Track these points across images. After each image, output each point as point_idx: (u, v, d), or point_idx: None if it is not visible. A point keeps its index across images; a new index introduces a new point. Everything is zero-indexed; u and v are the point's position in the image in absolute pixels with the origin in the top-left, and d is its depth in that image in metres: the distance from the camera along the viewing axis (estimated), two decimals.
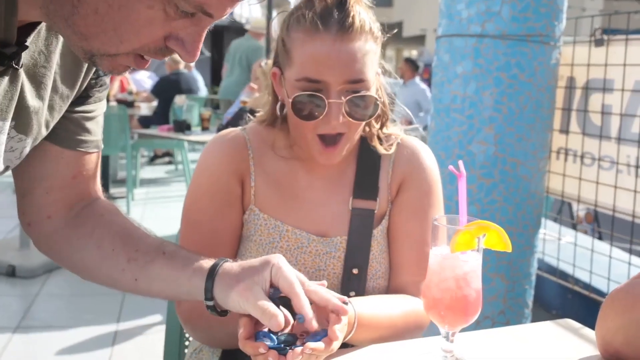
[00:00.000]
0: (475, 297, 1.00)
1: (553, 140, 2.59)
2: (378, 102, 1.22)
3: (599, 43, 2.41)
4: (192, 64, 8.79)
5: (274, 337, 0.98)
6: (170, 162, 8.97)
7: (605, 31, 2.42)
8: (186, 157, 6.75)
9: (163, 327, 1.58)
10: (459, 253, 0.99)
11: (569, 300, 2.93)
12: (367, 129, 1.32)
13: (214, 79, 14.45)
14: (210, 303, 0.98)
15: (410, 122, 1.48)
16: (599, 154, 2.45)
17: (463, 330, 1.09)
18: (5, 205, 5.53)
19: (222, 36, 15.06)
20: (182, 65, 8.01)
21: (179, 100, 6.14)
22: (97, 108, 1.06)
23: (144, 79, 9.73)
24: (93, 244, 1.07)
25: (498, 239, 1.00)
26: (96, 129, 1.08)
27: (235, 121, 4.25)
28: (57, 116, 0.98)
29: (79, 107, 1.03)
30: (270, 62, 1.33)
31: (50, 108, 0.95)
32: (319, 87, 1.17)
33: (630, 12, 2.36)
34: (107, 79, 1.06)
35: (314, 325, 0.94)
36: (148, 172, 8.36)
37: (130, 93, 8.34)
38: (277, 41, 1.26)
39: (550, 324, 1.24)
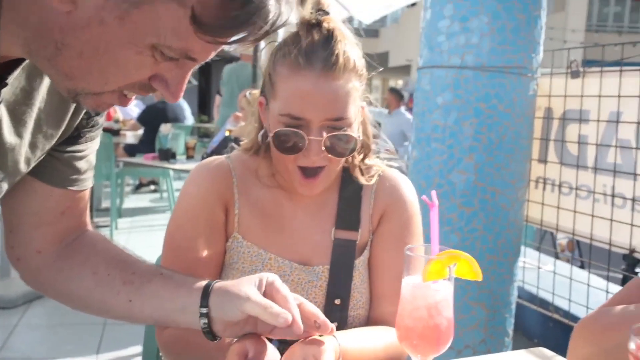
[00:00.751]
0: (447, 326, 1.01)
1: (532, 170, 2.63)
2: (358, 140, 1.23)
3: (575, 75, 2.46)
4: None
5: None
6: (155, 191, 8.94)
7: (586, 63, 2.48)
8: (171, 185, 6.74)
9: (141, 358, 1.56)
10: (431, 282, 1.00)
11: (550, 329, 2.94)
12: (349, 159, 1.34)
13: (201, 108, 14.49)
14: (205, 310, 0.98)
15: (396, 151, 1.50)
16: (576, 183, 2.49)
17: (437, 358, 1.10)
18: None
19: (210, 65, 15.12)
20: None
21: (165, 128, 6.16)
22: (88, 147, 1.06)
23: (130, 107, 9.72)
24: (88, 271, 1.07)
25: (468, 268, 1.01)
26: (86, 167, 1.08)
27: (219, 150, 4.27)
28: (40, 154, 0.98)
29: (69, 147, 1.03)
30: (255, 92, 1.35)
31: (32, 145, 0.95)
32: (300, 123, 1.19)
33: (604, 45, 2.42)
34: (100, 119, 1.06)
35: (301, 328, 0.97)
36: (133, 200, 8.32)
37: (117, 121, 8.34)
38: (264, 72, 1.28)
39: (523, 353, 1.25)
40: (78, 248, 1.10)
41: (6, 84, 0.82)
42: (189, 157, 5.64)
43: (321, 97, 1.17)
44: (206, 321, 0.99)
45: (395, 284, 1.30)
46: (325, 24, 1.21)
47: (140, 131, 7.72)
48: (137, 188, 9.05)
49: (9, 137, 0.89)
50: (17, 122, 0.89)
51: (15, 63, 0.82)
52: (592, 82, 2.43)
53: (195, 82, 12.42)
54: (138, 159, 6.05)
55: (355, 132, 1.23)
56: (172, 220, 1.31)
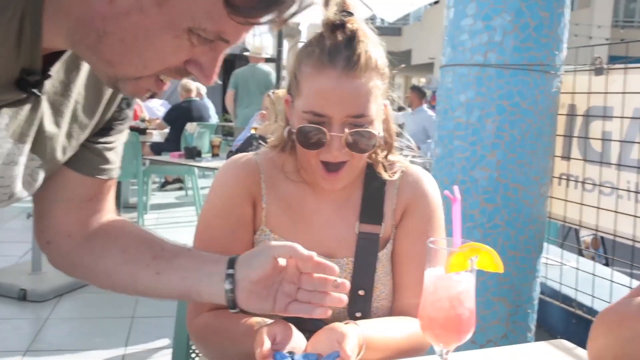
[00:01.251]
0: (469, 316, 1.04)
1: (555, 166, 2.63)
2: (379, 136, 1.27)
3: (599, 72, 2.47)
4: (204, 92, 8.95)
5: (291, 357, 1.03)
6: (180, 188, 9.04)
7: (611, 59, 2.47)
8: (196, 183, 6.83)
9: (170, 351, 1.62)
10: (453, 274, 1.04)
11: (574, 325, 2.94)
12: (373, 156, 1.38)
13: (226, 107, 14.58)
14: (231, 271, 1.04)
15: (418, 148, 1.54)
16: (600, 179, 2.49)
17: (459, 349, 1.13)
18: (18, 230, 5.61)
19: (234, 65, 15.22)
20: (194, 94, 8.14)
21: (190, 127, 6.24)
22: (117, 139, 1.12)
23: (156, 107, 9.86)
24: (117, 250, 1.13)
25: (490, 260, 1.04)
26: (115, 158, 1.13)
27: (244, 148, 4.32)
28: (75, 144, 1.03)
29: (101, 138, 1.08)
30: (278, 91, 1.40)
31: (69, 135, 1.00)
32: (322, 120, 1.23)
33: (628, 41, 2.42)
34: (129, 112, 1.11)
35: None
36: (159, 197, 8.43)
37: (143, 120, 8.46)
38: (290, 72, 1.33)
39: (544, 344, 1.28)
40: (108, 230, 1.15)
41: (49, 76, 0.86)
42: (214, 155, 5.71)
43: (343, 95, 1.22)
44: (231, 286, 1.04)
45: (417, 276, 1.33)
46: (349, 25, 1.25)
47: (166, 130, 7.83)
48: (163, 186, 9.17)
49: (49, 126, 0.94)
50: (56, 112, 0.95)
51: (55, 56, 0.86)
52: (616, 78, 2.43)
53: (219, 82, 12.50)
54: (164, 157, 6.14)
55: (376, 129, 1.27)
56: (202, 214, 1.37)
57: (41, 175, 1.01)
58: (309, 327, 1.19)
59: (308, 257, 1.02)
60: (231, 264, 1.06)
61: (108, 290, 1.17)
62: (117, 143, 1.13)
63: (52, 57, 0.86)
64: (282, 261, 1.05)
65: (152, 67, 0.80)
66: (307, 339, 1.13)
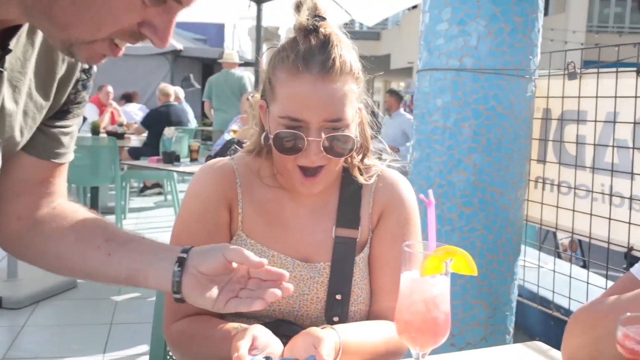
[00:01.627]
0: (444, 319, 1.05)
1: (531, 170, 2.67)
2: (356, 140, 1.28)
3: (572, 76, 2.50)
4: (182, 97, 8.92)
5: None
6: (159, 193, 8.99)
7: (584, 64, 2.51)
8: (175, 188, 6.79)
9: (148, 358, 1.61)
10: (428, 277, 1.04)
11: (552, 326, 2.97)
12: (348, 160, 1.38)
13: (204, 111, 14.55)
14: (184, 255, 1.04)
15: (397, 150, 1.55)
16: (575, 182, 2.52)
17: (438, 352, 1.14)
18: None
19: (213, 68, 15.19)
20: (172, 98, 8.11)
21: (168, 132, 6.21)
22: (74, 123, 1.13)
23: (134, 111, 9.81)
24: (70, 231, 1.12)
25: (464, 263, 1.05)
26: (70, 142, 1.14)
27: (223, 152, 4.31)
28: (32, 124, 1.03)
29: (58, 122, 1.09)
30: (257, 95, 1.40)
31: (25, 114, 1.00)
32: (299, 124, 1.23)
33: (600, 46, 2.46)
34: (86, 95, 1.12)
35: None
36: (137, 202, 8.38)
37: (121, 125, 8.41)
38: (264, 77, 1.33)
39: (520, 346, 1.29)
40: (61, 213, 1.15)
41: (10, 51, 0.86)
42: (193, 160, 5.68)
43: (319, 99, 1.22)
44: (180, 269, 1.03)
45: (394, 280, 1.34)
46: (321, 29, 1.26)
47: (144, 135, 7.78)
48: (142, 191, 9.10)
49: (8, 103, 0.94)
50: (14, 89, 0.95)
51: (11, 32, 0.87)
52: (589, 83, 2.47)
53: (198, 86, 12.47)
54: (142, 162, 6.10)
55: (353, 132, 1.27)
56: (178, 219, 1.36)
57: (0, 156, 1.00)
58: (285, 332, 1.19)
59: (258, 263, 1.01)
60: (185, 251, 1.06)
61: (57, 274, 1.17)
62: (74, 127, 1.13)
63: (9, 33, 0.87)
64: (234, 263, 1.05)
65: (106, 28, 0.80)
66: (284, 343, 1.13)
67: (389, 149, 1.49)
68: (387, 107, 8.06)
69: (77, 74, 1.07)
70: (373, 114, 1.42)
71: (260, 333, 1.11)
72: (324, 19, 1.27)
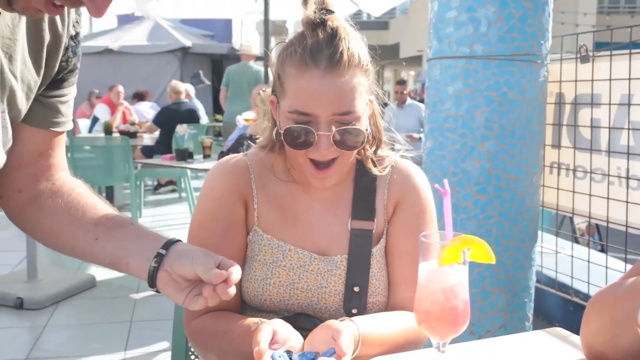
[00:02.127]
0: (463, 308, 1.05)
1: (545, 155, 2.65)
2: (366, 133, 1.28)
3: (584, 59, 2.48)
4: (193, 93, 8.94)
5: (289, 357, 1.05)
6: (174, 190, 9.04)
7: (597, 46, 2.49)
8: (189, 185, 6.82)
9: (170, 354, 1.62)
10: (446, 267, 1.04)
11: (571, 312, 2.96)
12: (362, 152, 1.38)
13: (216, 107, 14.58)
14: (163, 252, 1.05)
15: (419, 138, 1.55)
16: (591, 167, 2.51)
17: (458, 341, 1.14)
18: (11, 238, 5.58)
19: (222, 64, 15.22)
20: (183, 95, 8.14)
21: (180, 129, 6.22)
22: (70, 92, 1.14)
23: (146, 110, 9.85)
24: (64, 210, 1.14)
25: (482, 251, 1.05)
26: (68, 111, 1.15)
27: (236, 148, 4.32)
28: (29, 94, 1.04)
29: (54, 91, 1.11)
30: (268, 90, 1.40)
31: (22, 81, 1.01)
32: (309, 119, 1.23)
33: (612, 28, 2.43)
34: (77, 62, 1.13)
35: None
36: (152, 201, 8.42)
37: (133, 124, 8.45)
38: (274, 72, 1.33)
39: (540, 333, 1.28)
40: (58, 189, 1.17)
41: None
42: (206, 157, 5.70)
43: (328, 94, 1.22)
44: (156, 265, 1.04)
45: (411, 270, 1.34)
46: (329, 23, 1.25)
47: (157, 133, 7.82)
48: (156, 189, 9.16)
49: (6, 70, 0.96)
50: (9, 57, 0.96)
51: None
52: (602, 66, 2.45)
53: (208, 82, 12.50)
54: (155, 160, 6.13)
55: (363, 125, 1.27)
56: (194, 217, 1.37)
57: (9, 125, 1.01)
58: (305, 325, 1.19)
59: (213, 279, 1.00)
60: (167, 246, 1.06)
61: (52, 250, 1.19)
62: (70, 96, 1.15)
63: None
64: None
65: None
66: (304, 337, 1.14)
67: (409, 138, 1.50)
68: (397, 99, 8.03)
69: (64, 41, 1.08)
70: (385, 105, 1.41)
71: (280, 327, 1.12)
72: (331, 12, 1.27)
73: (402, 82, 8.36)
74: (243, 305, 1.37)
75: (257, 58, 9.06)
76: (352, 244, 1.35)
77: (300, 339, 1.13)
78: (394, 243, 1.38)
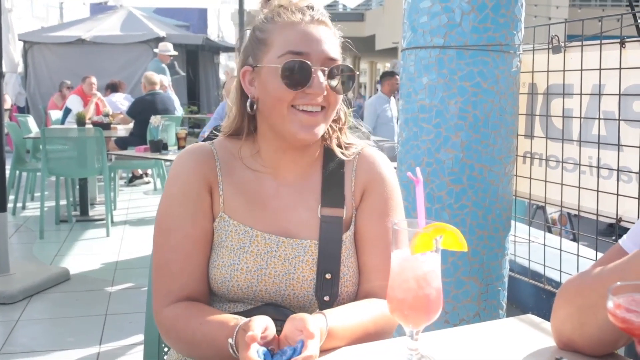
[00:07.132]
0: (436, 296, 1.05)
1: (518, 145, 2.67)
2: (354, 76, 1.33)
3: (556, 50, 2.50)
4: (168, 84, 8.85)
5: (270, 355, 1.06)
6: (148, 182, 8.96)
7: (568, 38, 2.51)
8: (164, 176, 6.75)
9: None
10: (419, 254, 1.05)
11: (544, 300, 3.00)
12: (328, 131, 1.41)
13: (190, 98, 14.48)
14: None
15: None
16: (562, 156, 2.53)
17: (432, 329, 1.15)
18: None
19: (197, 55, 15.09)
20: (157, 86, 8.05)
21: (155, 120, 6.16)
22: None
23: (120, 101, 9.73)
24: None
25: (454, 239, 1.06)
26: None
27: (211, 138, 4.29)
28: None
29: None
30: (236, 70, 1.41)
31: None
32: (302, 58, 1.27)
33: (583, 20, 2.46)
34: None
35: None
36: (127, 193, 8.34)
37: (107, 115, 8.34)
38: (247, 42, 1.36)
39: (513, 320, 1.30)
40: None
41: None
42: (180, 148, 5.65)
43: (318, 36, 1.30)
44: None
45: (381, 258, 1.35)
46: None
47: (131, 124, 7.73)
48: (131, 181, 9.07)
49: None
50: None
51: None
52: (573, 56, 2.47)
53: (183, 73, 12.39)
54: (130, 152, 6.07)
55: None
56: (161, 203, 1.37)
57: None
58: (274, 316, 1.19)
59: None
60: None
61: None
62: None
63: None
64: None
65: None
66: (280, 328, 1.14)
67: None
68: (392, 90, 7.98)
69: None
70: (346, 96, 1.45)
71: (265, 322, 1.11)
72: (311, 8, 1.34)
73: (393, 74, 8.37)
74: (211, 295, 1.36)
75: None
76: (322, 230, 1.35)
77: (274, 330, 1.13)
78: (363, 230, 1.39)
